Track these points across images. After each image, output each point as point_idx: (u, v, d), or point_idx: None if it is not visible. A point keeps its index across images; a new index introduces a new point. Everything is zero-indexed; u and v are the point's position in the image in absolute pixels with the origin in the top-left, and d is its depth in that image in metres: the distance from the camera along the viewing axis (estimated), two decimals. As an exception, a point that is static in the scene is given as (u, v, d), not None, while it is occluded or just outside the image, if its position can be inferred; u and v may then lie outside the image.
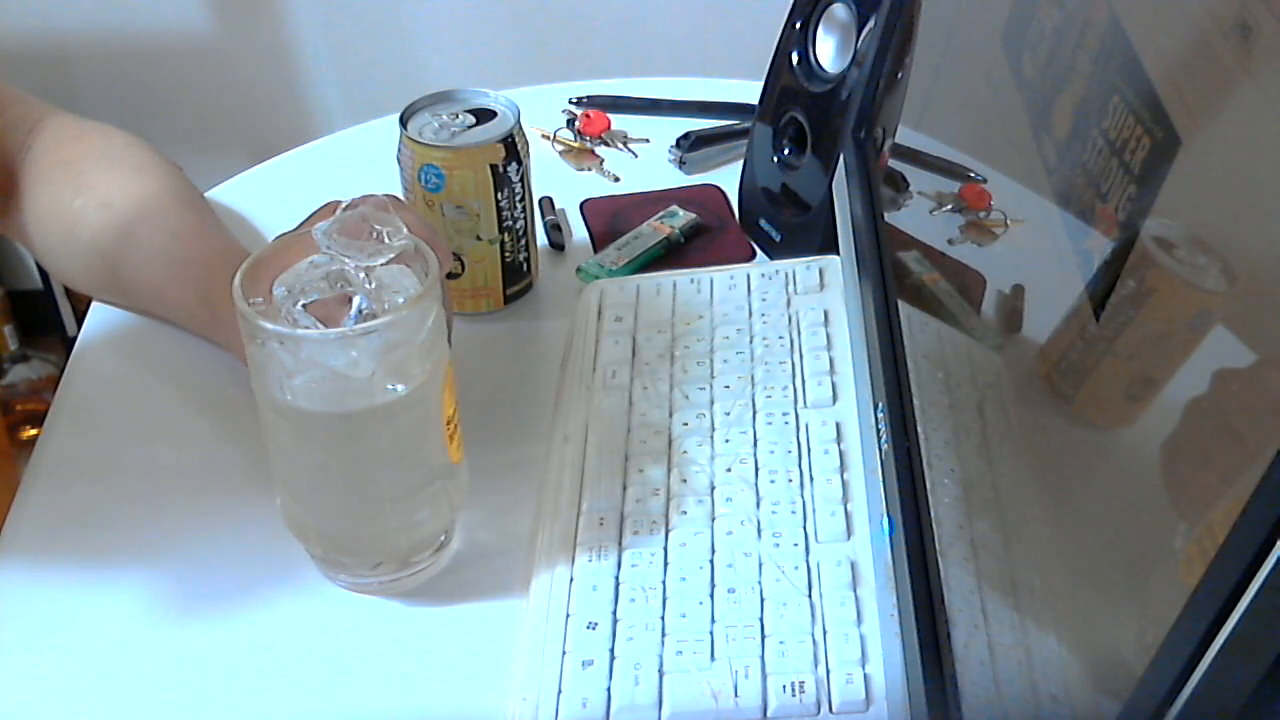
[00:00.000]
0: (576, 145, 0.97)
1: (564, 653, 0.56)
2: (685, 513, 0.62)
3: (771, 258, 0.83)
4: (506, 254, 0.77)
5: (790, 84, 0.80)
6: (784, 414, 0.67)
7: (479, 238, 0.76)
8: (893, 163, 0.77)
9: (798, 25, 0.79)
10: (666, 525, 0.62)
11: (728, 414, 0.67)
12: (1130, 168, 0.45)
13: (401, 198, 0.75)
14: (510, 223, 0.76)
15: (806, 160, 0.79)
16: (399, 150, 0.75)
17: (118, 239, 0.75)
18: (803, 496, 0.62)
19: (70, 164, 0.78)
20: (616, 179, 0.93)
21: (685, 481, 0.64)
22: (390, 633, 0.61)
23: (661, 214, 0.87)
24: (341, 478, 0.59)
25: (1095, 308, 0.46)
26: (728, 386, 0.69)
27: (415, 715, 0.57)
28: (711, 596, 0.58)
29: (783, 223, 0.82)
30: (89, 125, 0.81)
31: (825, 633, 0.56)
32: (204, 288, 0.72)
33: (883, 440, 0.58)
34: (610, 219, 0.88)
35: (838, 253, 0.75)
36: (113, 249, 0.75)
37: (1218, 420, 0.37)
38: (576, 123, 0.98)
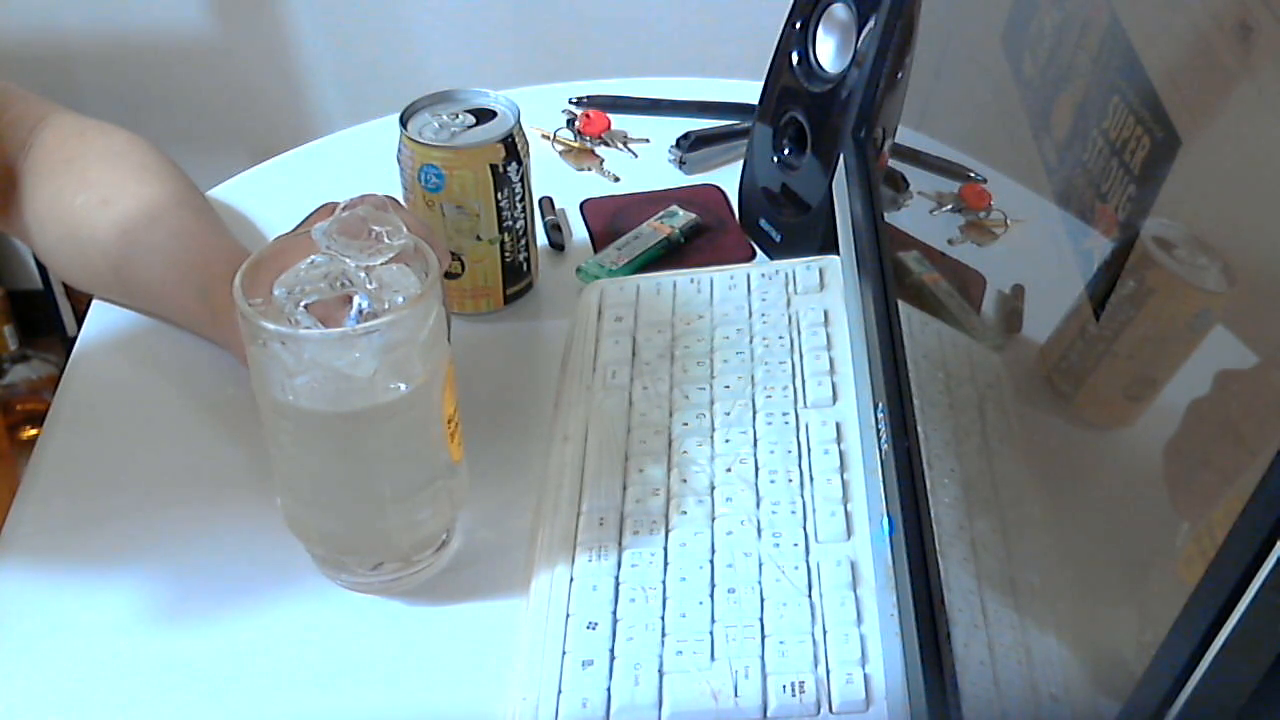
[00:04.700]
0: (576, 145, 0.97)
1: (564, 653, 0.56)
2: (685, 513, 0.62)
3: (771, 258, 0.83)
4: (506, 254, 0.77)
5: (790, 84, 0.80)
6: (784, 414, 0.67)
7: (479, 238, 0.76)
8: (893, 163, 0.76)
9: (798, 25, 0.79)
10: (666, 525, 0.62)
11: (728, 414, 0.67)
12: (1130, 168, 0.45)
13: (401, 198, 0.75)
14: (510, 223, 0.76)
15: (806, 160, 0.79)
16: (399, 150, 0.75)
17: (119, 237, 0.75)
18: (803, 496, 0.62)
19: (72, 162, 0.78)
20: (616, 179, 0.93)
21: (685, 481, 0.64)
22: (390, 633, 0.61)
23: (661, 214, 0.87)
24: (343, 477, 0.59)
25: (1095, 308, 0.46)
26: (728, 386, 0.69)
27: (415, 715, 0.57)
28: (711, 596, 0.58)
29: (783, 223, 0.82)
30: (91, 124, 0.81)
31: (825, 633, 0.56)
32: (204, 287, 0.72)
33: (883, 440, 0.58)
34: (610, 219, 0.88)
35: (838, 253, 0.75)
36: (113, 247, 0.75)
37: (1218, 420, 0.37)
38: (576, 123, 0.98)
